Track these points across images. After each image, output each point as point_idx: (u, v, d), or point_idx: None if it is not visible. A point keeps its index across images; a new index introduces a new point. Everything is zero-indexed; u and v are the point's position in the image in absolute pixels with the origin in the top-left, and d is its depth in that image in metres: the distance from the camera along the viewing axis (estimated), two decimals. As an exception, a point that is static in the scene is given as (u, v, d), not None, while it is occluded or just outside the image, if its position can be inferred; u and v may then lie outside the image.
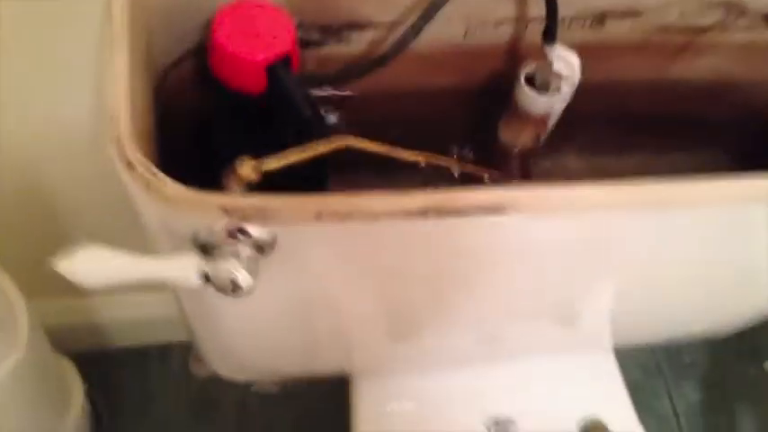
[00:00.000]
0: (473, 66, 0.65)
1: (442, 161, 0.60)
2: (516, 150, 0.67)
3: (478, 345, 0.73)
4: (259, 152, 0.50)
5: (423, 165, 0.59)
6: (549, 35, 0.59)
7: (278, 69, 0.51)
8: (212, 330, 0.63)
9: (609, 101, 0.69)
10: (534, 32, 0.61)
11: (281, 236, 0.44)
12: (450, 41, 0.62)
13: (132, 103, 0.44)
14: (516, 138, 0.65)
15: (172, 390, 1.17)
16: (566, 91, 0.60)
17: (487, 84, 0.67)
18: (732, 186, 0.48)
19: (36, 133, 0.74)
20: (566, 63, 0.59)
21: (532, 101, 0.61)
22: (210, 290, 0.43)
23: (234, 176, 0.46)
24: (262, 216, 0.42)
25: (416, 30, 0.56)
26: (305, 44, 0.60)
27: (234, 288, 0.42)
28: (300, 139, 0.53)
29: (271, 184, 0.48)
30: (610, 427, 0.80)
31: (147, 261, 0.43)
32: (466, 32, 0.62)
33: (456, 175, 0.62)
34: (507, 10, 0.60)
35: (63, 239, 0.88)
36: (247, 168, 0.46)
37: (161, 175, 0.41)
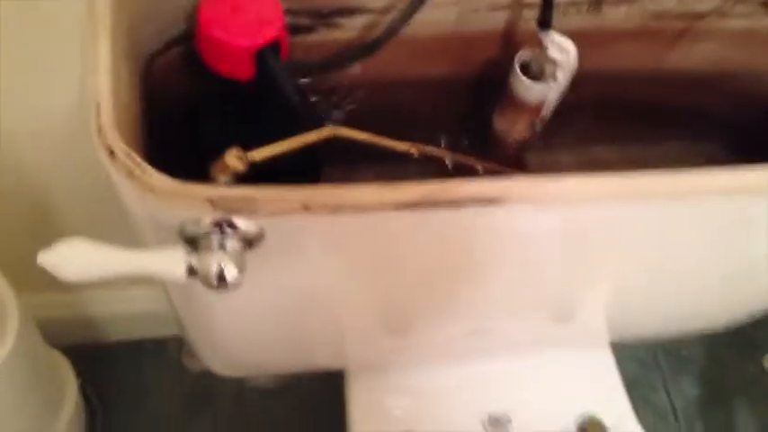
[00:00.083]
0: (467, 53, 0.64)
1: (434, 152, 0.59)
2: (511, 140, 0.65)
3: (474, 339, 0.72)
4: (248, 140, 0.49)
5: (415, 155, 0.58)
6: (544, 21, 0.57)
7: (266, 56, 0.50)
8: (203, 326, 0.62)
9: (605, 90, 0.68)
10: (529, 18, 0.60)
11: (269, 228, 0.43)
12: (443, 27, 0.61)
13: (115, 91, 0.43)
14: (511, 127, 0.64)
15: (167, 384, 1.16)
16: (561, 78, 0.59)
17: (482, 72, 0.66)
18: (732, 178, 0.47)
19: (24, 127, 0.73)
20: (561, 50, 0.57)
21: (527, 89, 0.60)
22: (197, 284, 0.42)
23: (221, 167, 0.45)
24: (248, 208, 0.41)
25: (407, 16, 0.55)
26: (295, 30, 0.59)
27: (220, 282, 0.41)
28: (289, 127, 0.52)
29: (260, 175, 0.47)
30: (607, 423, 0.79)
31: (132, 254, 0.42)
32: (458, 18, 0.61)
33: (449, 165, 0.61)
34: (501, -5, 0.59)
35: (54, 232, 0.88)
36: (234, 159, 0.45)
37: (145, 165, 0.40)
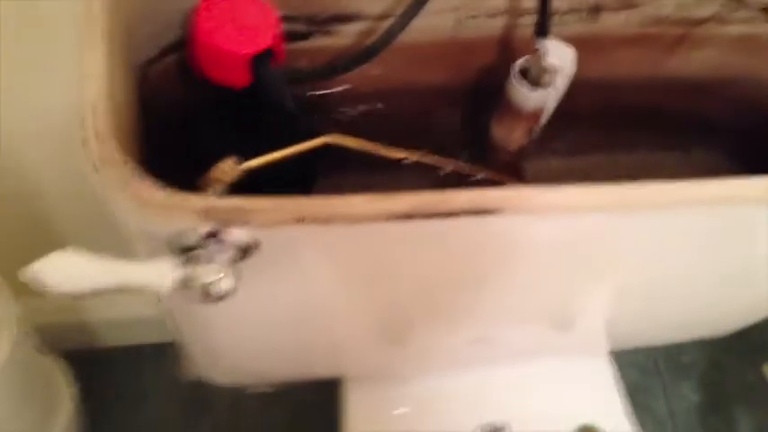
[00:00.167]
0: (464, 60, 0.64)
1: (430, 160, 0.58)
2: (509, 147, 0.65)
3: (471, 348, 0.72)
4: (243, 147, 0.48)
5: (411, 163, 0.57)
6: (542, 28, 0.57)
7: (261, 63, 0.50)
8: (198, 336, 0.61)
9: (604, 96, 0.68)
10: (527, 25, 0.60)
11: (262, 239, 0.43)
12: (441, 34, 0.61)
13: (109, 98, 0.42)
14: (509, 134, 0.64)
15: (165, 389, 1.16)
16: (559, 85, 0.58)
17: (480, 79, 0.66)
18: (729, 188, 0.46)
19: (24, 129, 0.73)
20: (559, 55, 0.57)
21: (525, 95, 0.59)
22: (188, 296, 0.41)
23: (214, 177, 0.45)
24: (241, 219, 0.40)
25: (404, 22, 0.54)
26: (291, 37, 0.58)
27: (212, 294, 0.41)
28: (285, 134, 0.52)
29: (255, 183, 0.47)
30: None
31: (123, 266, 0.41)
32: (456, 24, 0.60)
33: (446, 173, 0.60)
34: (498, 2, 0.59)
35: (52, 237, 0.88)
36: (227, 169, 0.44)
37: (138, 175, 0.40)
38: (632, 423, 0.81)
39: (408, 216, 0.41)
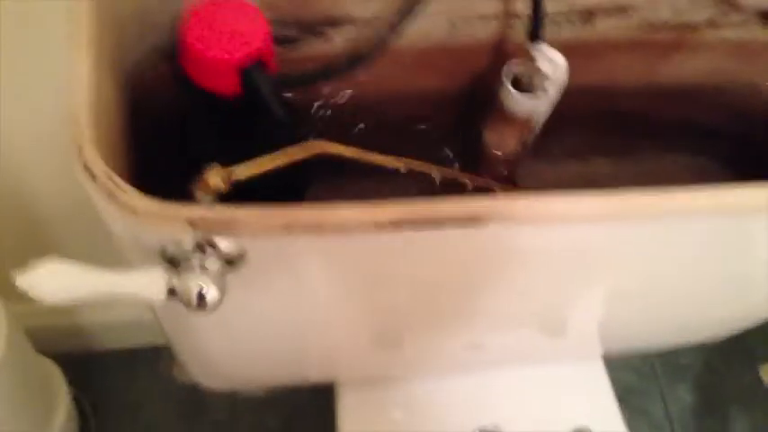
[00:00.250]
0: (458, 65, 0.64)
1: (422, 167, 0.58)
2: (502, 153, 0.65)
3: (464, 353, 0.72)
4: (235, 154, 0.48)
5: (402, 170, 0.57)
6: (535, 34, 0.57)
7: (250, 69, 0.49)
8: (189, 342, 0.61)
9: (599, 102, 0.68)
10: (520, 30, 0.59)
11: (251, 248, 0.42)
12: (433, 39, 0.61)
13: (96, 107, 0.42)
14: (501, 140, 0.64)
15: (160, 393, 1.16)
16: (551, 92, 0.58)
17: (472, 85, 0.65)
18: (723, 197, 0.46)
19: (19, 134, 0.73)
20: (550, 62, 0.57)
21: (517, 102, 0.59)
22: (175, 303, 0.41)
23: (203, 186, 0.44)
24: (229, 229, 0.40)
25: (396, 27, 0.54)
26: (282, 42, 0.58)
27: (199, 304, 0.40)
28: (276, 141, 0.52)
29: (245, 192, 0.46)
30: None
31: (111, 275, 0.41)
32: (449, 28, 0.60)
33: (437, 181, 0.60)
34: (492, 6, 0.59)
35: (45, 242, 0.88)
36: (216, 177, 0.44)
37: (124, 184, 0.39)
38: (626, 427, 0.81)
39: (396, 225, 0.41)
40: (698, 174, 0.72)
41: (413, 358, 0.74)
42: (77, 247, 0.78)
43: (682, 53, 0.66)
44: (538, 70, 0.58)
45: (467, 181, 0.61)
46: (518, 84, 0.60)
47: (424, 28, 0.59)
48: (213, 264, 0.42)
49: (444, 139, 0.69)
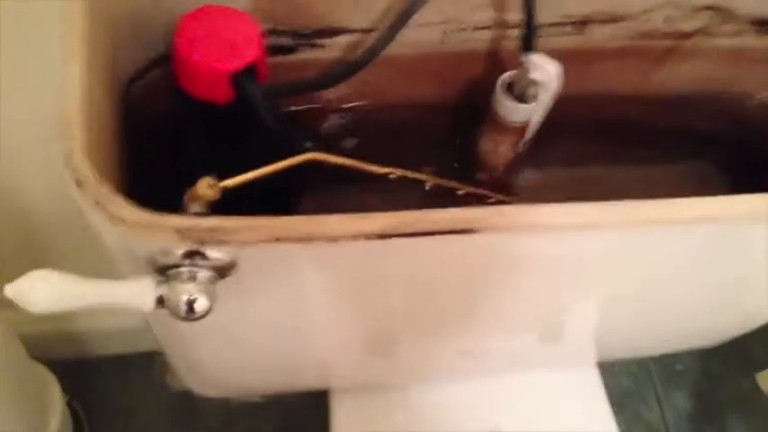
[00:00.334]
0: (452, 74, 0.64)
1: (414, 176, 0.58)
2: (496, 161, 0.65)
3: (459, 360, 0.72)
4: (227, 162, 0.48)
5: (397, 177, 0.57)
6: (527, 43, 0.57)
7: (243, 79, 0.49)
8: (181, 350, 0.61)
9: (593, 110, 0.68)
10: (514, 38, 0.60)
11: (241, 258, 0.42)
12: (428, 48, 0.61)
13: (88, 114, 0.42)
14: (496, 148, 0.64)
15: (154, 399, 1.16)
16: (544, 99, 0.58)
17: (467, 93, 0.65)
18: (715, 207, 0.46)
19: (11, 144, 0.72)
20: (543, 71, 0.57)
21: (511, 110, 0.59)
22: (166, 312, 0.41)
23: (193, 196, 0.44)
24: (218, 239, 0.40)
25: (389, 36, 0.54)
26: (277, 51, 0.58)
27: (188, 313, 0.40)
28: (268, 149, 0.52)
29: (238, 199, 0.46)
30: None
31: (100, 285, 0.41)
32: (443, 38, 0.60)
33: (432, 187, 0.60)
34: (485, 15, 0.59)
35: (39, 248, 0.87)
36: (206, 188, 0.44)
37: (113, 194, 0.39)
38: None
39: (384, 235, 0.41)
40: (694, 181, 0.72)
41: (407, 365, 0.74)
42: (73, 254, 0.77)
43: (675, 61, 0.66)
44: (531, 79, 0.58)
45: (459, 189, 0.61)
46: (512, 92, 0.60)
47: (420, 37, 0.59)
48: (203, 273, 0.42)
49: (439, 145, 0.69)
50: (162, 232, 0.39)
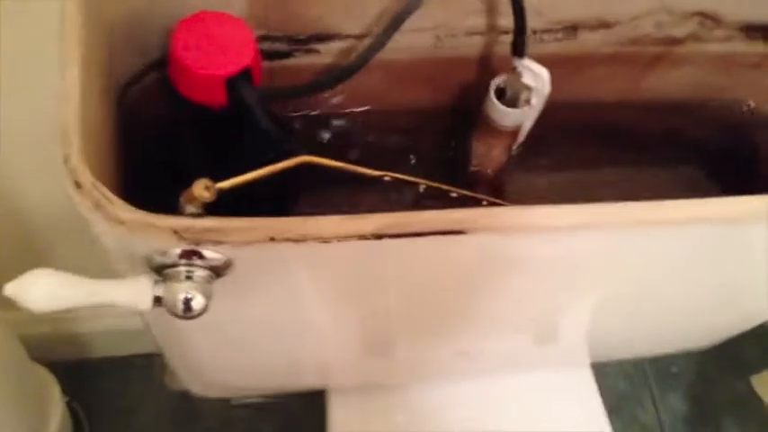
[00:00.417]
0: (444, 79, 0.65)
1: (407, 179, 0.59)
2: (489, 165, 0.66)
3: (454, 361, 0.73)
4: (223, 165, 0.49)
5: (390, 180, 0.58)
6: (519, 49, 0.58)
7: (237, 83, 0.50)
8: (179, 350, 0.62)
9: (584, 115, 0.69)
10: (506, 43, 0.60)
11: (237, 258, 0.43)
12: (421, 53, 0.62)
13: (85, 119, 0.43)
14: (488, 152, 0.65)
15: (154, 400, 1.16)
16: (535, 104, 0.59)
17: (460, 98, 0.66)
18: (696, 208, 0.47)
19: (12, 149, 0.73)
20: (535, 76, 0.58)
21: (502, 114, 0.60)
22: (163, 311, 0.42)
23: (189, 197, 0.45)
24: (214, 239, 0.41)
25: (382, 41, 0.55)
26: (273, 56, 0.59)
27: (185, 312, 0.41)
28: (263, 152, 0.52)
29: (234, 202, 0.47)
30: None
31: (98, 284, 0.42)
32: (436, 43, 0.61)
33: (426, 190, 0.61)
34: (477, 21, 0.60)
35: (38, 251, 0.88)
36: (201, 189, 0.45)
37: (111, 196, 0.40)
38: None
39: (377, 236, 0.41)
40: (684, 186, 0.73)
41: (402, 366, 0.75)
42: (72, 255, 0.78)
43: (665, 67, 0.67)
44: (522, 84, 0.59)
45: (453, 192, 0.62)
46: (504, 97, 0.61)
47: (412, 42, 0.60)
48: (199, 272, 0.43)
49: (433, 149, 0.70)
50: (159, 232, 0.40)
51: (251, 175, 0.47)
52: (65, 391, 1.03)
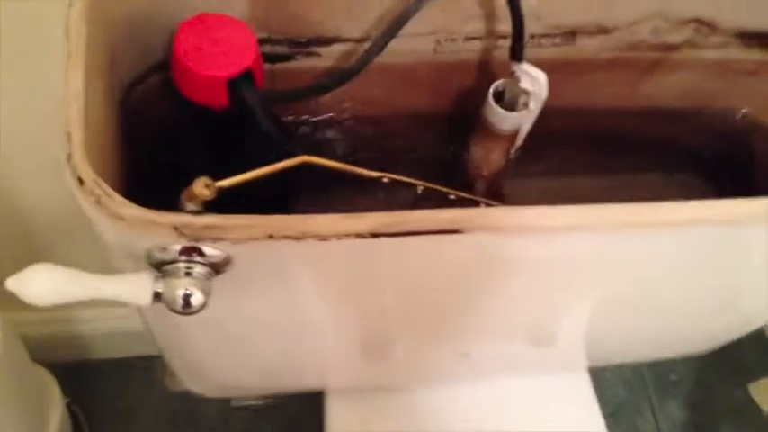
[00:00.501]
0: (444, 83, 0.65)
1: (406, 180, 0.59)
2: (487, 169, 0.66)
3: (452, 363, 0.73)
4: (224, 166, 0.50)
5: (389, 182, 0.58)
6: (517, 53, 0.58)
7: (239, 85, 0.51)
8: (178, 348, 0.63)
9: (583, 120, 0.69)
10: (504, 48, 0.61)
11: (236, 255, 0.44)
12: (420, 57, 0.62)
13: (87, 119, 0.43)
14: (486, 155, 0.65)
15: (154, 402, 1.17)
16: (533, 108, 0.60)
17: (459, 102, 0.67)
18: (697, 210, 0.47)
19: (12, 148, 0.74)
20: (533, 80, 0.58)
21: (501, 118, 0.61)
22: (162, 307, 0.43)
23: (189, 195, 0.46)
24: (213, 236, 0.42)
25: (381, 45, 0.55)
26: (275, 59, 0.60)
27: (185, 308, 0.42)
28: (264, 153, 0.53)
29: (235, 199, 0.48)
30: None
31: (99, 279, 0.42)
32: (436, 47, 0.62)
33: (424, 192, 0.61)
34: (476, 26, 0.60)
35: (38, 251, 0.89)
36: (202, 187, 0.45)
37: (112, 193, 0.41)
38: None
39: (374, 234, 0.42)
40: (680, 193, 0.73)
41: (400, 368, 0.75)
42: (72, 253, 0.79)
43: (662, 73, 0.67)
44: (520, 88, 0.59)
45: (451, 194, 0.62)
46: (502, 101, 0.61)
47: (412, 46, 0.61)
48: (199, 269, 0.43)
49: (432, 153, 0.70)
50: (159, 229, 0.41)
51: (251, 174, 0.48)
52: (65, 392, 1.03)
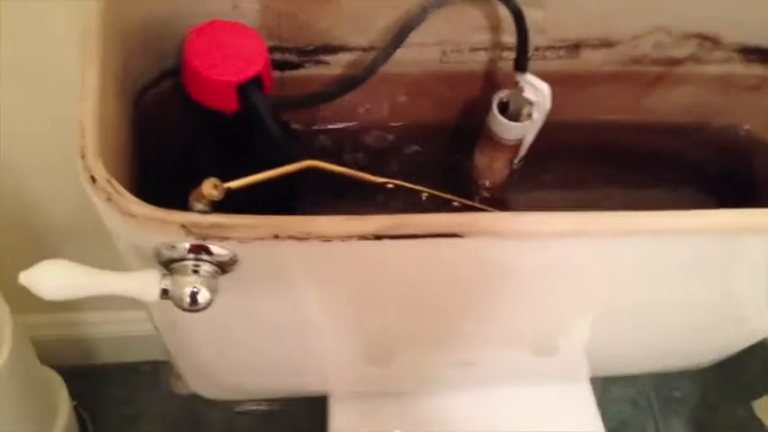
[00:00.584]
0: (449, 93, 0.66)
1: (410, 186, 0.60)
2: (491, 178, 0.67)
3: (453, 371, 0.73)
4: (233, 169, 0.51)
5: (393, 188, 0.59)
6: (521, 64, 0.59)
7: (248, 90, 0.52)
8: (185, 349, 0.63)
9: (585, 133, 0.70)
10: (509, 59, 0.62)
11: (242, 254, 0.45)
12: (426, 67, 0.63)
13: (101, 119, 0.45)
14: (490, 164, 0.66)
15: (160, 407, 1.17)
16: (536, 118, 0.61)
17: (464, 112, 0.68)
18: (695, 220, 0.48)
19: (24, 138, 0.74)
20: (536, 91, 0.59)
21: (504, 128, 0.62)
22: (170, 305, 0.44)
23: (198, 195, 0.47)
24: (220, 235, 0.43)
25: (387, 54, 0.57)
26: (284, 66, 0.61)
27: (191, 305, 0.43)
28: (272, 157, 0.54)
29: (243, 202, 0.49)
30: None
31: (109, 276, 0.44)
32: (441, 58, 0.63)
33: (423, 199, 0.62)
34: (482, 37, 0.62)
35: (49, 253, 0.89)
36: (210, 188, 0.47)
37: (123, 191, 0.42)
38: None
39: (377, 236, 0.43)
40: (682, 207, 0.74)
41: (402, 373, 0.76)
42: (80, 253, 0.80)
43: (666, 87, 0.68)
44: (524, 98, 0.60)
45: (455, 201, 0.63)
46: (506, 111, 0.63)
47: (418, 57, 0.62)
48: (206, 267, 0.44)
49: (437, 163, 0.71)
50: (168, 227, 0.42)
51: (258, 176, 0.49)
52: (72, 395, 1.04)
